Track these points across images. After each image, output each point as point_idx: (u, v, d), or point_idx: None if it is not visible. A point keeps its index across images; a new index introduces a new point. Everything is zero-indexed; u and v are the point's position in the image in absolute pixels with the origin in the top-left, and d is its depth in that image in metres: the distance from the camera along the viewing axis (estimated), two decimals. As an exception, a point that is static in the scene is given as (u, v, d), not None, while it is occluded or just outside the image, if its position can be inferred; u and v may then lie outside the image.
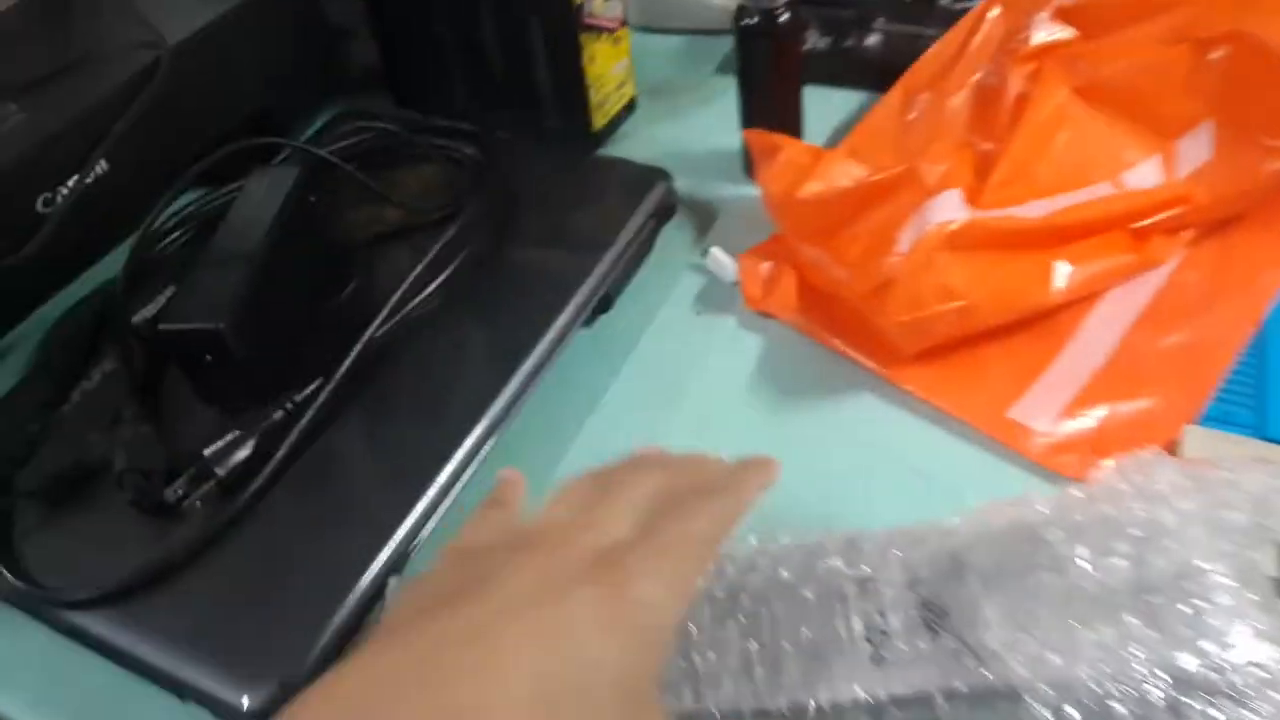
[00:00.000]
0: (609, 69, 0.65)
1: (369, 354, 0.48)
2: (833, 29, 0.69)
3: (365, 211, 0.56)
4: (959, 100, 0.58)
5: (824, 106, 0.65)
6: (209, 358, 0.43)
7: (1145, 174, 0.54)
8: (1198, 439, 0.44)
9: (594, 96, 0.64)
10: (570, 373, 0.52)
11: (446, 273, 0.52)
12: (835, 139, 0.64)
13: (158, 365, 0.48)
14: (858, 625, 0.35)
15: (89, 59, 0.57)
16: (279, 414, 0.44)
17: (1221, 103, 0.53)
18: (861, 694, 0.34)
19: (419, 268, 0.51)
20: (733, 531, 0.33)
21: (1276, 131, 0.51)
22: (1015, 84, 0.57)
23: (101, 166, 0.55)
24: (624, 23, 0.65)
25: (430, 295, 0.51)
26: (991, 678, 0.33)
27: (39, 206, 0.53)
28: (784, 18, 0.55)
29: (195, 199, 0.58)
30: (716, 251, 0.56)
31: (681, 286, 0.57)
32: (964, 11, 0.66)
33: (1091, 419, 0.46)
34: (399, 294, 0.50)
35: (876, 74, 0.66)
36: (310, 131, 0.66)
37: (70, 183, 0.54)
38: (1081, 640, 0.33)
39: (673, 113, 0.70)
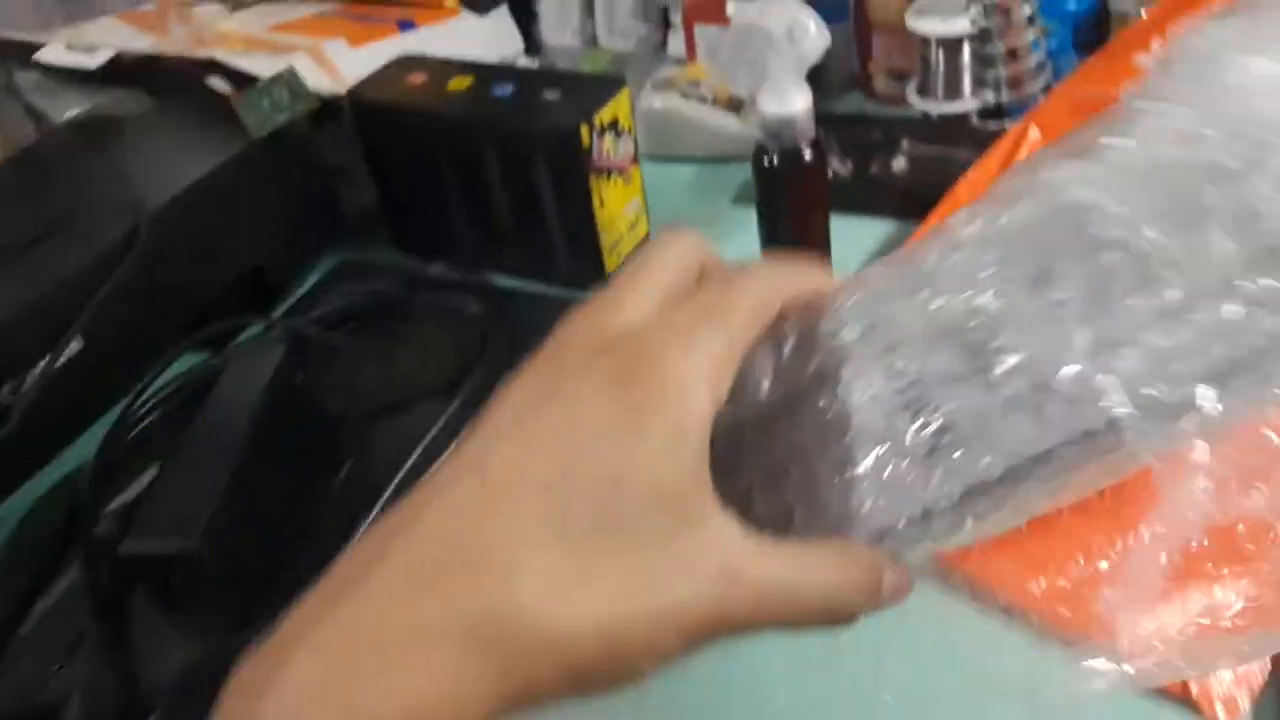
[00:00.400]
0: (621, 209, 0.61)
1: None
2: (855, 153, 0.65)
3: (362, 381, 0.52)
4: (1001, 232, 0.54)
5: (850, 237, 0.60)
6: (180, 579, 0.38)
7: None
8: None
9: (606, 239, 0.60)
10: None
11: (451, 450, 0.47)
12: (866, 273, 0.60)
13: (125, 576, 0.43)
14: (894, 420, 0.25)
15: (61, 227, 0.53)
16: (261, 637, 0.39)
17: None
18: (924, 503, 0.25)
19: (418, 450, 0.46)
20: (771, 310, 0.27)
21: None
22: (1062, 214, 0.52)
23: (75, 345, 0.51)
24: (635, 161, 0.61)
25: (432, 477, 0.46)
26: (1081, 422, 0.24)
27: (2, 395, 0.48)
28: (807, 155, 0.51)
29: (180, 371, 0.54)
30: (746, 411, 0.51)
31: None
32: (996, 132, 0.62)
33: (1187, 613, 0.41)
34: (397, 481, 0.45)
35: (904, 201, 0.62)
36: (306, 288, 0.62)
37: (40, 365, 0.50)
38: (1186, 341, 0.23)
39: (690, 249, 0.65)
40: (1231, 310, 0.23)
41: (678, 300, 0.27)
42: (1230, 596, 0.41)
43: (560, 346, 0.26)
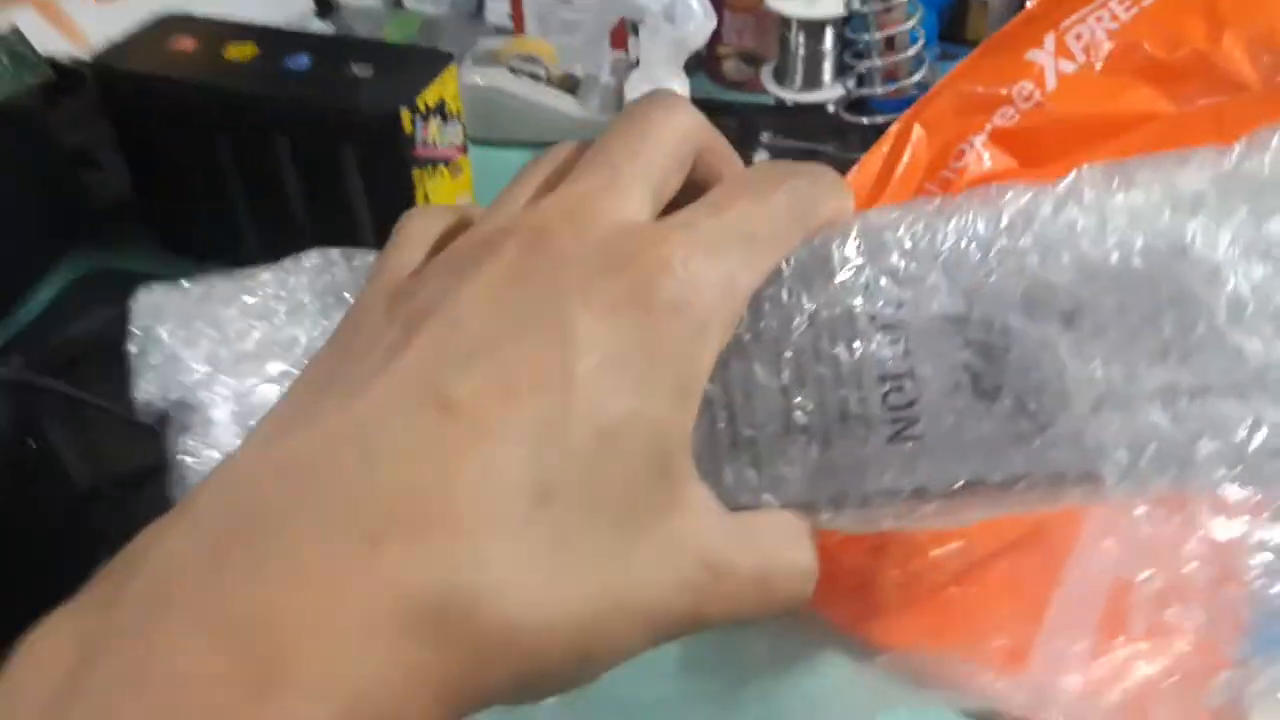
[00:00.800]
0: (448, 209, 0.51)
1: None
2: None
3: (119, 435, 0.40)
4: (886, 242, 0.48)
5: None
6: None
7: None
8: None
9: (431, 245, 0.50)
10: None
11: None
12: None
13: None
14: (872, 388, 0.23)
15: None
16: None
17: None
18: (870, 489, 0.23)
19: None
20: (800, 238, 0.23)
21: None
22: (954, 223, 0.47)
23: None
24: (464, 149, 0.51)
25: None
26: (1065, 467, 0.22)
27: None
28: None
29: None
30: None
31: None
32: (865, 127, 0.57)
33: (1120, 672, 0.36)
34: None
35: (771, 201, 0.56)
36: (39, 307, 0.49)
37: None
38: (1219, 413, 0.22)
39: (527, 253, 0.57)
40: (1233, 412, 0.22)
41: (670, 192, 0.22)
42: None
43: (543, 234, 0.20)
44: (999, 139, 0.48)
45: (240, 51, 0.50)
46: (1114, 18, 0.46)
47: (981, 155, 0.48)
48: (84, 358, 0.44)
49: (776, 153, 0.58)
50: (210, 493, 0.19)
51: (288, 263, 0.29)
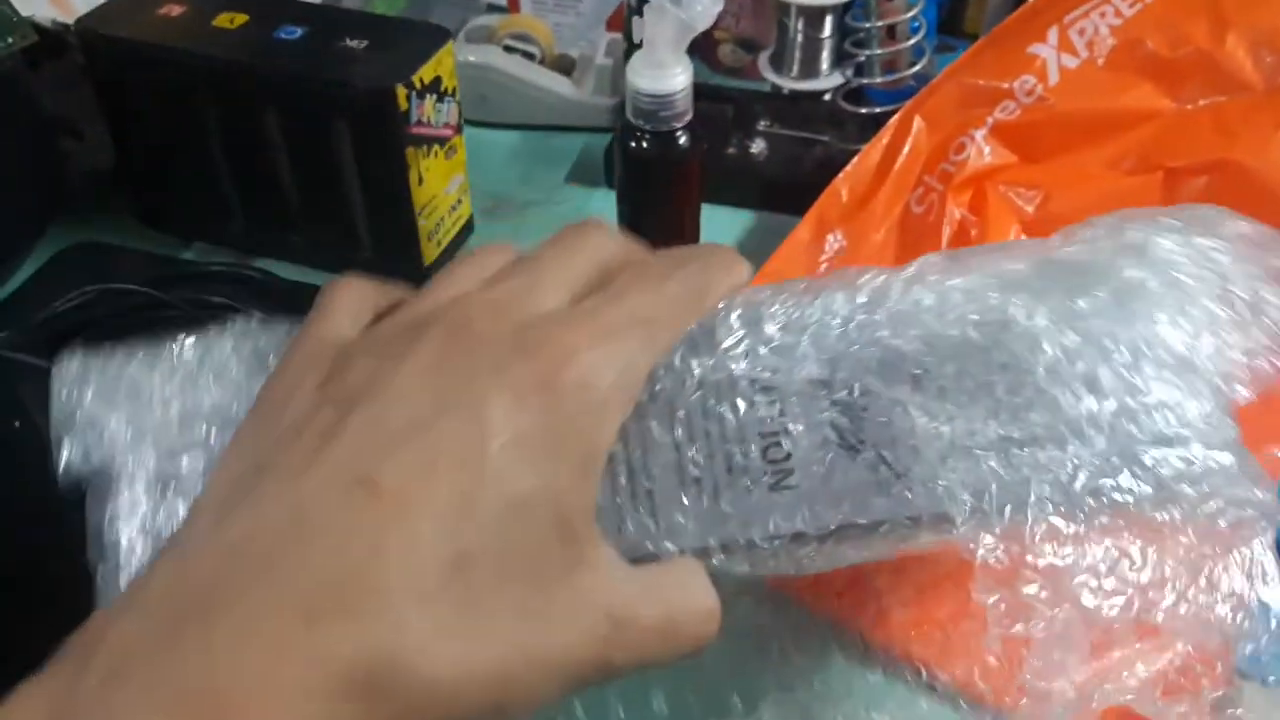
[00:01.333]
0: (442, 188, 0.50)
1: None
2: (708, 131, 0.58)
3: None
4: (882, 237, 0.48)
5: (709, 231, 0.53)
6: None
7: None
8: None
9: (424, 225, 0.50)
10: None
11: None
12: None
13: None
14: (754, 443, 0.26)
15: None
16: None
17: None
18: (756, 534, 0.25)
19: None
20: (695, 319, 0.26)
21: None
22: (952, 218, 0.47)
23: None
24: (459, 129, 0.50)
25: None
26: (920, 510, 0.25)
27: None
28: (683, 140, 0.43)
29: None
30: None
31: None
32: (864, 117, 0.57)
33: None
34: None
35: (766, 190, 0.55)
36: (18, 281, 0.47)
37: None
38: (1046, 459, 0.25)
39: (519, 234, 0.56)
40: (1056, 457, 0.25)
41: (589, 298, 0.24)
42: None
43: (465, 323, 0.23)
44: (1000, 133, 0.48)
45: (230, 19, 0.49)
46: (1118, 13, 0.46)
47: (982, 149, 0.48)
48: (65, 335, 0.43)
49: (774, 141, 0.57)
50: (161, 576, 0.21)
51: (212, 330, 0.29)
